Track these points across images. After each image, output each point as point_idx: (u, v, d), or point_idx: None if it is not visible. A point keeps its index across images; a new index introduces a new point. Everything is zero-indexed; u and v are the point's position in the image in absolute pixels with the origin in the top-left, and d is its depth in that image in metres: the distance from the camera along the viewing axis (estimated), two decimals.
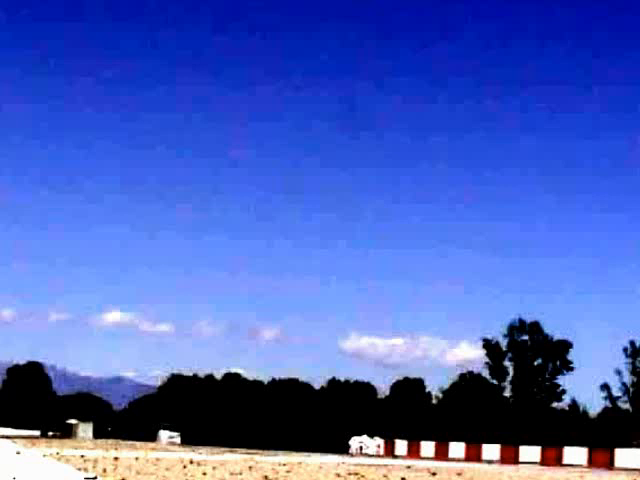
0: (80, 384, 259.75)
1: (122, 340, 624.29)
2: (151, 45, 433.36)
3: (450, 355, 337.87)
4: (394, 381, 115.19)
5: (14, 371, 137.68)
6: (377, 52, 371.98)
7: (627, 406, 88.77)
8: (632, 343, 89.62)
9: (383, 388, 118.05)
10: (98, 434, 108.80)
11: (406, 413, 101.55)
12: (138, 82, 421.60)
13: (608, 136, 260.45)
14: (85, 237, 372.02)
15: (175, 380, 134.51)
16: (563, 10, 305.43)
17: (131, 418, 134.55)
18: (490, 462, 58.34)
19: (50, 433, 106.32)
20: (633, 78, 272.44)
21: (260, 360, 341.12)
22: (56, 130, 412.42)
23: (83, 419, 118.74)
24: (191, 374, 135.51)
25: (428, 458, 65.08)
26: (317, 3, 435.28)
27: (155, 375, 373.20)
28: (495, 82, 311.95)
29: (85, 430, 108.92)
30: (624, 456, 58.00)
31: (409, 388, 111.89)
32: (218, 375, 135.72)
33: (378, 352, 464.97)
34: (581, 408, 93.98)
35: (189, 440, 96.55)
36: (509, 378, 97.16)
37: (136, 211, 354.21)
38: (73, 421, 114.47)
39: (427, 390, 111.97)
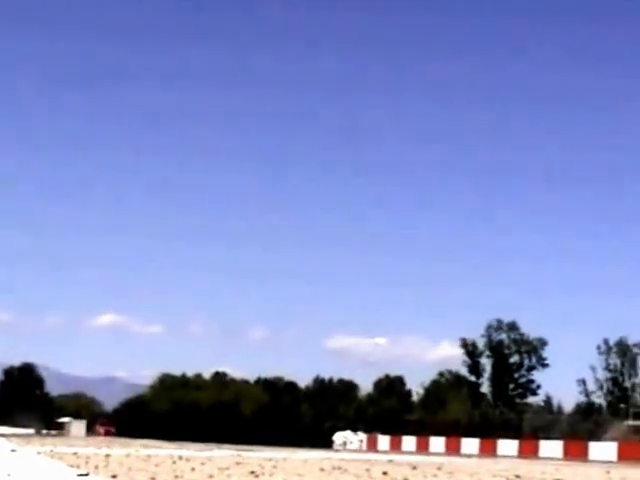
0: (73, 384, 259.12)
1: (114, 341, 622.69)
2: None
3: (431, 354, 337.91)
4: (376, 379, 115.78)
5: (9, 372, 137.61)
6: (379, 64, 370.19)
7: (600, 401, 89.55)
8: (605, 340, 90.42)
9: (366, 385, 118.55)
10: (91, 432, 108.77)
11: (388, 409, 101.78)
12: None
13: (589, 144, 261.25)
14: (78, 240, 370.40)
15: (164, 379, 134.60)
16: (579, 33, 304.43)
17: (123, 416, 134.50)
18: (469, 456, 58.41)
19: (44, 431, 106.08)
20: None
21: (248, 359, 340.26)
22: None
23: (76, 418, 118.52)
24: (180, 373, 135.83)
25: (409, 452, 65.19)
26: (320, 15, 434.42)
27: (145, 375, 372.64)
28: (499, 93, 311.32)
29: (78, 428, 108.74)
30: (597, 449, 58.24)
31: (390, 385, 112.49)
32: (207, 374, 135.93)
33: (361, 351, 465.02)
34: (556, 403, 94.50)
35: (177, 437, 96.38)
36: (487, 375, 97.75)
37: (127, 214, 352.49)
38: (66, 419, 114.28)
39: (408, 387, 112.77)
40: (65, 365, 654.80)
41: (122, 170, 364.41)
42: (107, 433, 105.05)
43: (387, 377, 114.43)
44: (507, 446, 64.34)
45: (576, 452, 58.81)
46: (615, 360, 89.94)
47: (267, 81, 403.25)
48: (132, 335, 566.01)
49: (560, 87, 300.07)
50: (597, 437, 65.54)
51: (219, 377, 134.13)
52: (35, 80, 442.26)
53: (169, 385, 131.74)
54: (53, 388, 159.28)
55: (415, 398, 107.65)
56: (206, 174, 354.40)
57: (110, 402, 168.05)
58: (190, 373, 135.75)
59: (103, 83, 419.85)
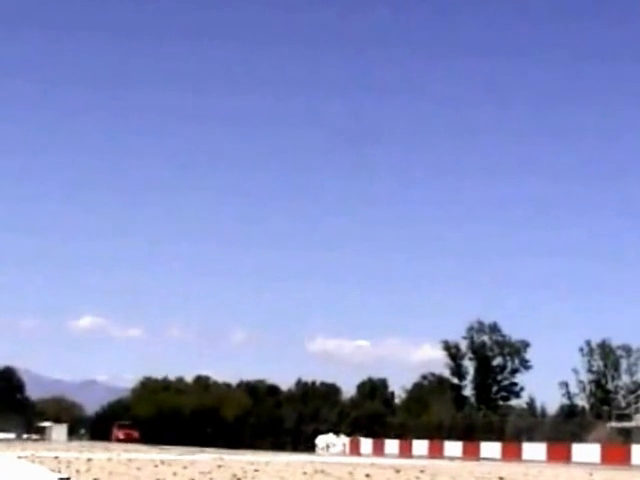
0: (53, 388, 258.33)
1: (94, 344, 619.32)
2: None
3: (413, 356, 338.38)
4: (359, 381, 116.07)
5: None
6: (382, 65, 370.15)
7: (583, 403, 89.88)
8: (588, 342, 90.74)
9: (348, 388, 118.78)
10: (72, 436, 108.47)
11: (371, 412, 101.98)
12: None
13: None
14: (56, 242, 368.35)
15: (146, 383, 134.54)
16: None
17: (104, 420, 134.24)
18: (452, 458, 58.50)
19: (25, 436, 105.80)
20: None
21: (229, 362, 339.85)
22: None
23: (57, 422, 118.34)
24: (162, 377, 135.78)
25: (392, 455, 65.25)
26: (323, 18, 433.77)
27: (126, 378, 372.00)
28: (506, 95, 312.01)
29: (59, 433, 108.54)
30: (580, 451, 58.40)
31: (374, 388, 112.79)
32: (189, 377, 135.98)
33: (344, 353, 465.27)
34: (539, 405, 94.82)
35: (161, 441, 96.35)
36: (469, 377, 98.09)
37: (105, 215, 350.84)
38: (47, 424, 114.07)
39: (391, 390, 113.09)
40: (44, 368, 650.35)
41: (97, 171, 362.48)
42: (128, 438, 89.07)
43: (370, 380, 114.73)
44: (490, 449, 64.44)
45: (559, 454, 58.95)
46: (598, 362, 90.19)
47: (272, 83, 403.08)
48: (112, 338, 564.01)
49: (568, 87, 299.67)
50: (580, 439, 65.76)
51: (201, 381, 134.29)
52: (39, 81, 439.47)
53: (151, 389, 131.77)
54: (33, 392, 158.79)
55: (398, 401, 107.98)
56: (192, 175, 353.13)
57: (91, 406, 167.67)
58: (172, 377, 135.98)
59: (109, 83, 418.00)
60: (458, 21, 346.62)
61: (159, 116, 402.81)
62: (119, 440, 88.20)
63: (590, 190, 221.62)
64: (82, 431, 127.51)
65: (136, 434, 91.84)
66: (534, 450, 61.34)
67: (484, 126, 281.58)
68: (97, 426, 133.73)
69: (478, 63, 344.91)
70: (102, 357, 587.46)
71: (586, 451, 58.12)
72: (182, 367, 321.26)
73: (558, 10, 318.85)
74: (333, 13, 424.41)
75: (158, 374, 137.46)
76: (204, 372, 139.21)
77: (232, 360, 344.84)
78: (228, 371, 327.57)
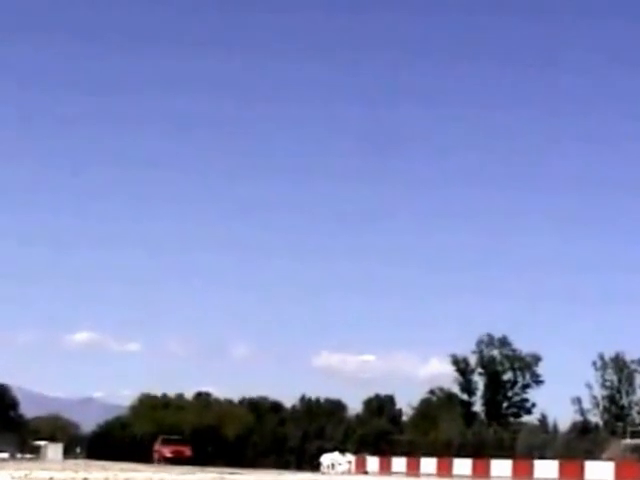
0: (49, 405, 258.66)
1: (90, 360, 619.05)
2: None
3: (421, 370, 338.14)
4: (365, 398, 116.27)
5: None
6: (405, 71, 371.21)
7: (597, 419, 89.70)
8: (601, 356, 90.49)
9: (354, 405, 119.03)
10: (68, 455, 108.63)
11: (378, 429, 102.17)
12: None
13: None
14: (52, 255, 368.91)
15: (145, 400, 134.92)
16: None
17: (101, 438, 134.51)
18: (462, 477, 58.77)
19: (19, 455, 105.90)
20: None
21: (231, 378, 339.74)
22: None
23: (52, 441, 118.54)
24: (161, 394, 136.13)
25: (400, 474, 65.45)
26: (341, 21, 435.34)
27: (124, 395, 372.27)
28: (532, 100, 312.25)
29: (55, 451, 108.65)
30: (594, 469, 58.55)
31: (381, 405, 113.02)
32: (189, 394, 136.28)
33: (349, 368, 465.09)
34: (551, 421, 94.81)
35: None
36: (479, 393, 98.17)
37: (103, 227, 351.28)
38: (42, 443, 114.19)
39: (398, 406, 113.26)
40: (40, 385, 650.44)
41: (96, 183, 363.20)
42: (177, 457, 74.95)
43: (377, 396, 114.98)
44: (501, 467, 64.51)
45: (572, 472, 59.09)
46: (612, 376, 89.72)
47: (291, 90, 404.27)
48: (109, 353, 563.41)
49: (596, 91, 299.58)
50: (594, 456, 65.89)
51: (202, 397, 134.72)
52: (49, 90, 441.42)
53: (150, 406, 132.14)
54: (27, 410, 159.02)
55: (405, 418, 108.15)
56: (196, 184, 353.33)
57: (88, 424, 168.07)
58: (171, 393, 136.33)
59: (121, 89, 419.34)
60: (481, 26, 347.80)
61: (169, 123, 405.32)
62: (165, 459, 75.05)
63: (603, 202, 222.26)
64: (78, 450, 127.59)
65: (188, 452, 76.78)
66: (546, 468, 61.44)
67: (501, 134, 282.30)
68: (94, 445, 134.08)
69: (502, 68, 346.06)
70: (99, 373, 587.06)
71: (599, 469, 58.27)
72: (182, 383, 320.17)
73: (580, 11, 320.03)
74: (351, 17, 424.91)
75: (157, 390, 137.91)
76: (205, 388, 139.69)
77: (234, 375, 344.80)
78: (230, 387, 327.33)
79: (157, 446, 79.20)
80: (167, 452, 75.87)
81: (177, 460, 72.65)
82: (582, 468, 59.27)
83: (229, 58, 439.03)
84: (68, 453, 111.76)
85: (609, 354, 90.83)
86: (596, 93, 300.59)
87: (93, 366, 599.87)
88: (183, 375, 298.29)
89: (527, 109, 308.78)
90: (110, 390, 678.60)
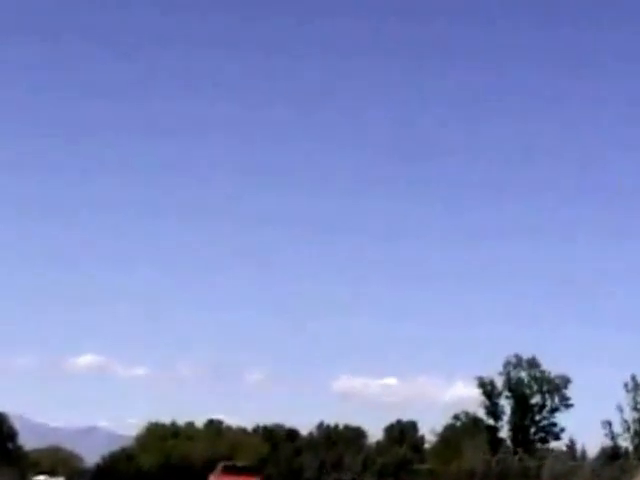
0: (50, 436, 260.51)
1: (95, 386, 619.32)
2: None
3: (445, 394, 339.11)
4: (386, 424, 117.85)
5: None
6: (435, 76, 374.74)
7: (627, 444, 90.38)
8: (633, 377, 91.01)
9: (375, 431, 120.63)
10: None
11: (399, 458, 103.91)
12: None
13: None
14: (53, 274, 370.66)
15: (152, 429, 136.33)
16: None
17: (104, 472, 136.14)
18: None
19: None
20: None
21: (244, 404, 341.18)
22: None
23: (52, 475, 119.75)
24: (170, 422, 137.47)
25: None
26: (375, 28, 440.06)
27: (131, 424, 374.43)
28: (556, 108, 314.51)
29: None
30: None
31: (402, 431, 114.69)
32: (200, 422, 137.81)
33: (370, 392, 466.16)
34: (579, 447, 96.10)
35: None
36: (505, 417, 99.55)
37: (109, 244, 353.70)
38: (42, 477, 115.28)
39: (420, 433, 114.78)
40: (40, 414, 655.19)
41: (95, 195, 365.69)
42: None
43: (399, 423, 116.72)
44: None
45: None
46: None
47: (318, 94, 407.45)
48: (115, 378, 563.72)
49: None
50: None
51: (213, 426, 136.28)
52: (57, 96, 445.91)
53: (158, 436, 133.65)
54: (27, 440, 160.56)
55: (428, 445, 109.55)
56: (201, 200, 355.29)
57: (92, 456, 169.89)
58: (181, 421, 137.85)
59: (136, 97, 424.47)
60: (522, 32, 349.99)
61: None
62: None
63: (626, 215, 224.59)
64: None
65: None
66: None
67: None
68: (97, 479, 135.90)
69: (546, 76, 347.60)
70: (104, 400, 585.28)
71: None
72: (192, 409, 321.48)
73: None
74: (390, 23, 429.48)
75: (166, 418, 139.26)
76: (217, 415, 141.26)
77: (247, 401, 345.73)
78: (243, 414, 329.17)
79: (215, 477, 65.08)
80: None
81: None
82: None
83: (256, 64, 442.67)
84: None
85: None
86: None
87: (97, 392, 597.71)
88: (193, 401, 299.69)
89: (568, 128, 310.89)
90: (115, 418, 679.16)
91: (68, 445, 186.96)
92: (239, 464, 67.74)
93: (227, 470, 63.66)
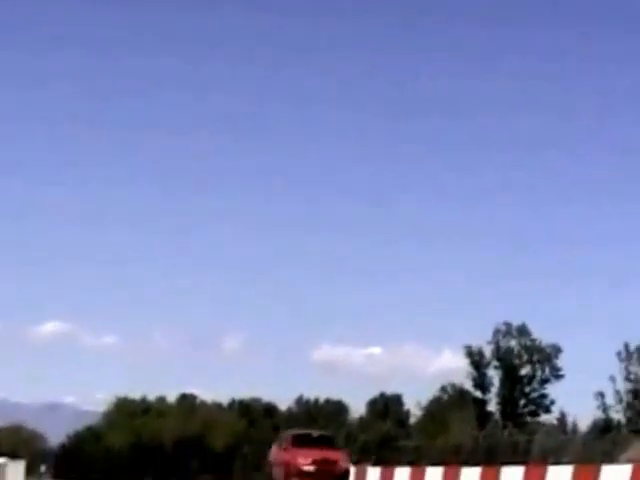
0: (9, 413, 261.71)
1: (60, 356, 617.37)
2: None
3: (432, 364, 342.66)
4: (370, 398, 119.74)
5: None
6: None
7: (620, 416, 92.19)
8: (626, 346, 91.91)
9: (357, 405, 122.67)
10: (31, 476, 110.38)
11: (382, 434, 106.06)
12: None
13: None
14: (13, 233, 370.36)
15: (121, 405, 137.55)
16: None
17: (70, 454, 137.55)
18: None
19: None
20: None
21: (220, 376, 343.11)
22: None
23: (13, 457, 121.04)
24: (140, 397, 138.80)
25: None
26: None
27: (99, 399, 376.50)
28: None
29: (16, 471, 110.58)
30: (610, 474, 62.68)
31: (386, 406, 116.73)
32: (172, 397, 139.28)
33: (353, 363, 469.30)
34: (570, 420, 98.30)
35: (137, 475, 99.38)
36: (494, 390, 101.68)
37: (77, 201, 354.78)
38: (1, 460, 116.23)
39: (406, 408, 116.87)
40: None
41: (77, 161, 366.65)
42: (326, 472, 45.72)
43: (382, 396, 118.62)
44: (512, 474, 68.65)
45: (587, 478, 63.41)
46: (637, 368, 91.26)
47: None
48: (82, 348, 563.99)
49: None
50: (613, 458, 69.55)
51: (186, 401, 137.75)
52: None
53: (127, 412, 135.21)
54: None
55: (413, 419, 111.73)
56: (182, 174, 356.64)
57: (56, 435, 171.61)
58: (152, 396, 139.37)
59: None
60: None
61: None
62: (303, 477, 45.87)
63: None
64: (43, 469, 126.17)
65: (344, 463, 46.12)
66: (559, 474, 65.87)
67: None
68: (62, 461, 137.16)
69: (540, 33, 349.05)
70: (70, 372, 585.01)
71: (616, 473, 62.58)
72: (165, 382, 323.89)
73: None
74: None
75: (136, 393, 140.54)
76: (190, 389, 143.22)
77: (223, 373, 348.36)
78: (219, 386, 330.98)
79: (279, 451, 47.65)
80: (306, 463, 45.66)
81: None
82: (598, 473, 63.67)
83: (275, 63, 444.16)
84: (32, 472, 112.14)
85: (635, 343, 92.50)
86: None
87: (62, 364, 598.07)
88: (166, 373, 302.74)
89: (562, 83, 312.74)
90: (82, 393, 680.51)
91: (30, 423, 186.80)
92: (315, 433, 51.63)
93: (299, 441, 47.20)
